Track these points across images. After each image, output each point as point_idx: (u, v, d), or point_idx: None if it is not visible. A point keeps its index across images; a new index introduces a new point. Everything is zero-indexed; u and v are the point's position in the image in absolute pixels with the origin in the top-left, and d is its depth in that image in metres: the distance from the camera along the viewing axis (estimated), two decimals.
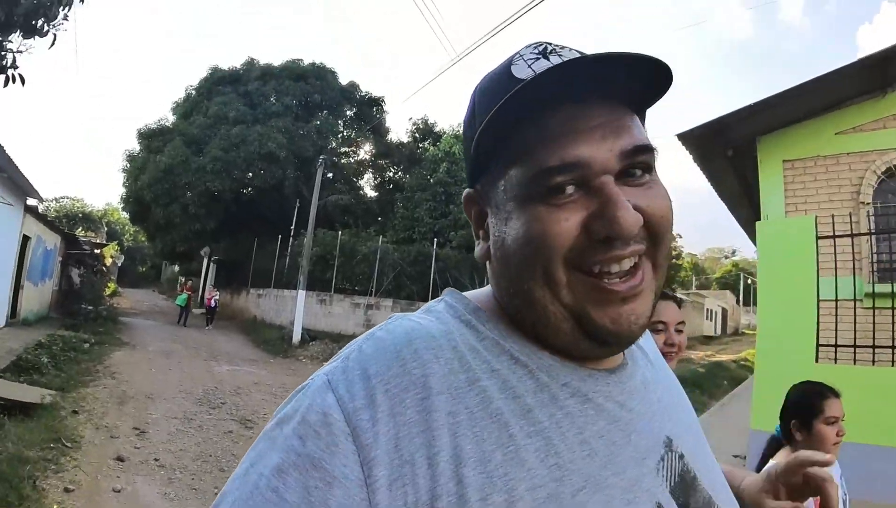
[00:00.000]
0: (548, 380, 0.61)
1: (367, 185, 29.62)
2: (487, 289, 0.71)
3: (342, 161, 27.73)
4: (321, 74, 27.50)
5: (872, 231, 6.94)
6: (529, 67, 0.60)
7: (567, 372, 0.63)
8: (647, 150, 0.60)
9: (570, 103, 0.58)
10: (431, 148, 24.60)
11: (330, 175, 24.53)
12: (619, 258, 0.59)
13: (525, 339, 0.64)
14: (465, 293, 0.70)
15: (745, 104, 7.30)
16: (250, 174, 24.77)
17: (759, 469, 2.18)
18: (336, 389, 0.54)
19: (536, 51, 0.62)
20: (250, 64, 28.33)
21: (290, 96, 26.26)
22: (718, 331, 42.32)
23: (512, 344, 0.63)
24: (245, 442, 6.64)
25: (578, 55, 0.60)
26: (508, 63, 0.63)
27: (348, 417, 0.52)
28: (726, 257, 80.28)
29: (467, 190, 0.70)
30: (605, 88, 0.59)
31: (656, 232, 0.61)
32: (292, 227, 23.08)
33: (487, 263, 0.68)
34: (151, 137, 27.39)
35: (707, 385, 14.58)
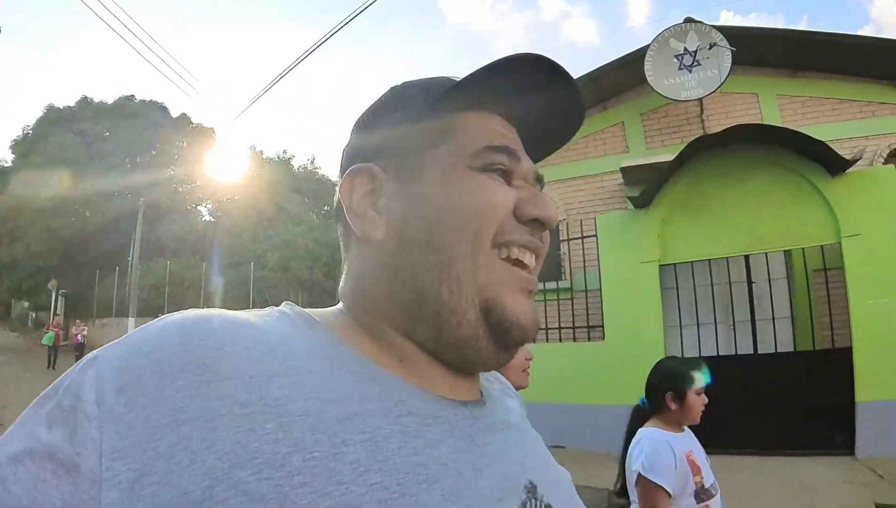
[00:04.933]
0: (379, 392, 0.50)
1: (206, 210, 29.82)
2: (331, 309, 0.63)
3: (179, 189, 27.66)
4: (152, 110, 27.88)
5: None
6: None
7: (406, 390, 0.52)
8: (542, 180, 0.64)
9: (502, 114, 0.61)
10: (256, 176, 25.27)
11: (168, 201, 24.55)
12: (535, 246, 0.59)
13: (367, 352, 0.55)
14: (307, 310, 0.60)
15: None
16: (87, 212, 24.36)
17: (627, 438, 2.48)
18: (99, 366, 0.44)
19: None
20: (84, 102, 28.11)
21: (124, 133, 26.54)
22: None
23: (343, 351, 0.53)
24: None
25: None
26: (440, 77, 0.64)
27: (101, 399, 0.42)
28: None
29: (360, 165, 0.61)
30: (536, 114, 0.62)
31: (546, 243, 0.61)
32: (129, 258, 23.00)
33: (359, 246, 0.61)
34: None
35: None
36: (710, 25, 8.25)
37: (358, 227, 0.59)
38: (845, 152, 6.67)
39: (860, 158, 6.28)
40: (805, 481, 5.38)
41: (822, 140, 6.35)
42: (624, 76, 8.90)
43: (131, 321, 20.82)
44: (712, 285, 6.98)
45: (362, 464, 0.43)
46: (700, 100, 8.40)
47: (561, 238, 8.61)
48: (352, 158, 0.63)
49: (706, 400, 2.42)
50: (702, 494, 2.26)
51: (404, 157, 0.59)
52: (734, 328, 7.00)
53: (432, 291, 0.55)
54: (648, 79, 8.11)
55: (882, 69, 7.91)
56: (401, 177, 0.59)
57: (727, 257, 6.88)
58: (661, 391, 2.44)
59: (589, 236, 7.61)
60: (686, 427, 2.45)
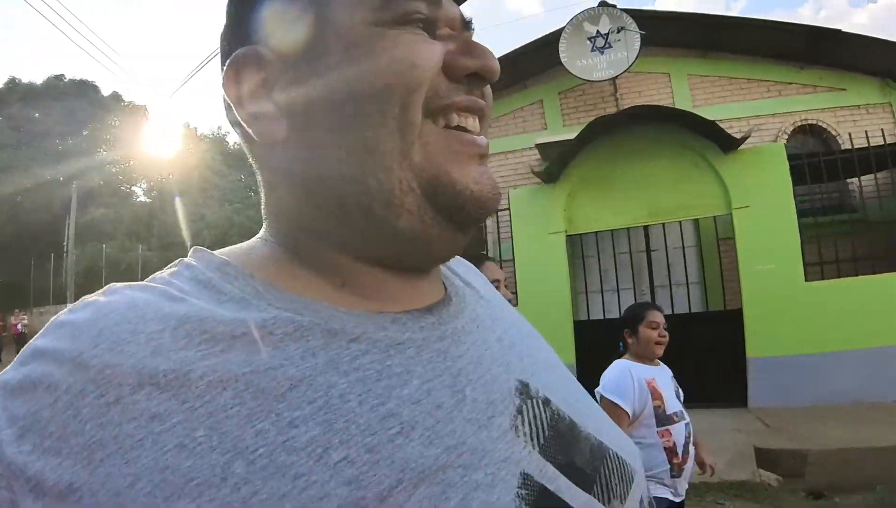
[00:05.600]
0: (325, 339, 0.41)
1: (141, 190, 29.45)
2: (252, 240, 0.52)
3: (113, 170, 27.10)
4: (83, 90, 27.04)
5: None
6: None
7: (356, 322, 0.43)
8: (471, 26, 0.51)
9: None
10: (190, 154, 25.10)
11: (102, 183, 24.08)
12: (477, 106, 0.48)
13: (302, 289, 0.45)
14: (219, 250, 0.50)
15: None
16: (20, 198, 23.74)
17: None
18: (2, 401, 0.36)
19: None
20: (13, 83, 26.82)
21: (55, 115, 25.51)
22: None
23: (272, 298, 0.43)
24: None
25: None
26: None
27: (2, 446, 0.34)
28: None
29: (244, 50, 0.48)
30: None
31: (489, 100, 0.50)
32: (65, 244, 22.53)
33: (264, 153, 0.50)
34: None
35: None
36: (621, 9, 8.60)
37: (255, 129, 0.48)
38: (751, 130, 7.12)
39: (749, 137, 6.77)
40: (698, 430, 5.82)
41: (717, 120, 6.87)
42: (542, 57, 9.11)
43: (69, 307, 20.10)
44: (615, 254, 7.42)
45: (320, 443, 0.35)
46: (613, 80, 8.75)
47: None
48: (231, 44, 0.50)
49: (664, 334, 2.69)
50: (663, 419, 2.52)
51: (293, 28, 0.46)
52: (635, 294, 7.50)
53: (357, 186, 0.45)
54: (563, 60, 8.41)
55: (789, 51, 8.38)
56: (295, 56, 0.46)
57: (628, 228, 7.34)
58: (622, 331, 2.78)
59: (503, 210, 7.83)
60: (663, 365, 2.75)
